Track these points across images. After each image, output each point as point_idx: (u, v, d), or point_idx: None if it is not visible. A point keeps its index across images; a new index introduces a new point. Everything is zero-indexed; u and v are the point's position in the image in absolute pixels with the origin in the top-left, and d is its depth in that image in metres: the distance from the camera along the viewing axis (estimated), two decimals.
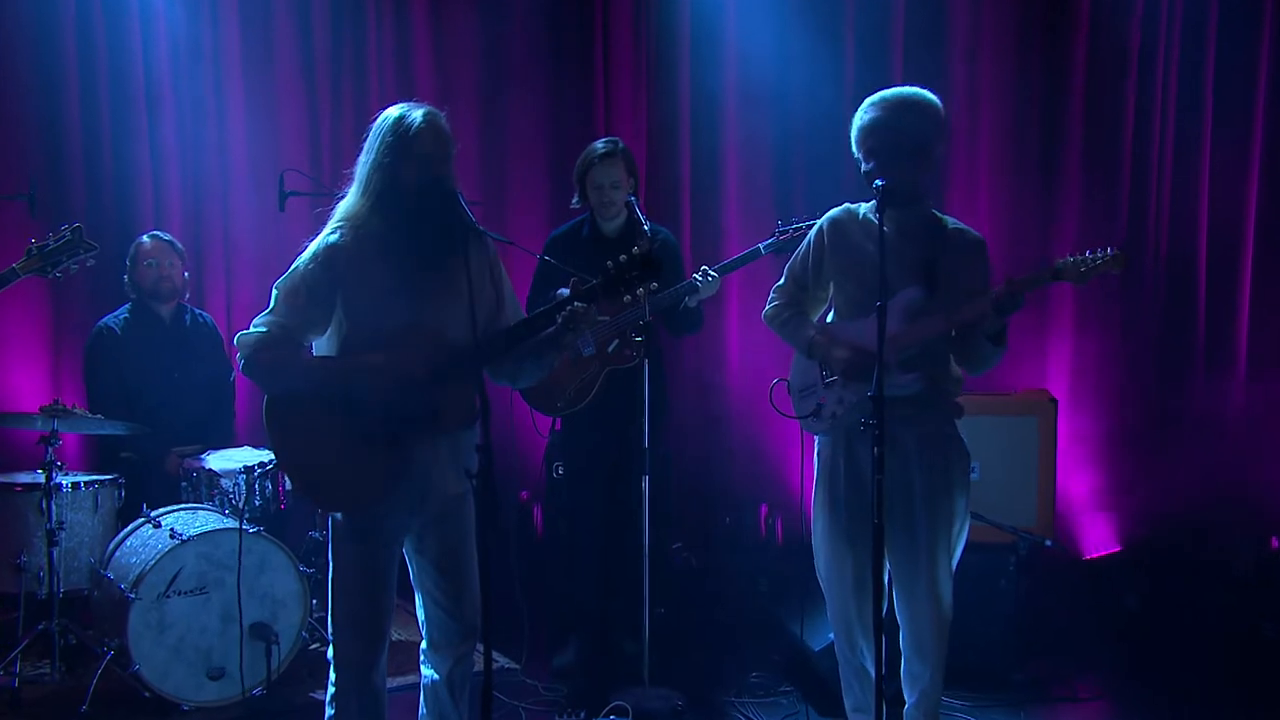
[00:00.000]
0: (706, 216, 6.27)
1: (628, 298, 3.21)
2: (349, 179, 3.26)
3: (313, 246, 3.24)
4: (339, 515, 3.28)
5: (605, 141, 4.70)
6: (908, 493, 3.64)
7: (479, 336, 3.07)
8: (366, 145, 3.21)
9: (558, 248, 4.73)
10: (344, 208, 3.26)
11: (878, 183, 3.47)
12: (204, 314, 5.44)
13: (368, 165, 3.20)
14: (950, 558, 3.68)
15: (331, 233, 3.23)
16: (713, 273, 4.50)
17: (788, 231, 4.55)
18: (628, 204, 4.57)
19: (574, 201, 4.75)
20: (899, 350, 3.56)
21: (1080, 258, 3.42)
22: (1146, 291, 6.01)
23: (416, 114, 3.17)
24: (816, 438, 3.86)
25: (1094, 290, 5.79)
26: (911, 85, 3.67)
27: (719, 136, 6.23)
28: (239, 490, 4.67)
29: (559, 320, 3.17)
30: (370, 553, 3.27)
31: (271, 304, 3.23)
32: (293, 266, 3.24)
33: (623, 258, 3.16)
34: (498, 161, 6.21)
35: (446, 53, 6.17)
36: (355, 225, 3.22)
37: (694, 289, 4.50)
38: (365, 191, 3.20)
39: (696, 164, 6.26)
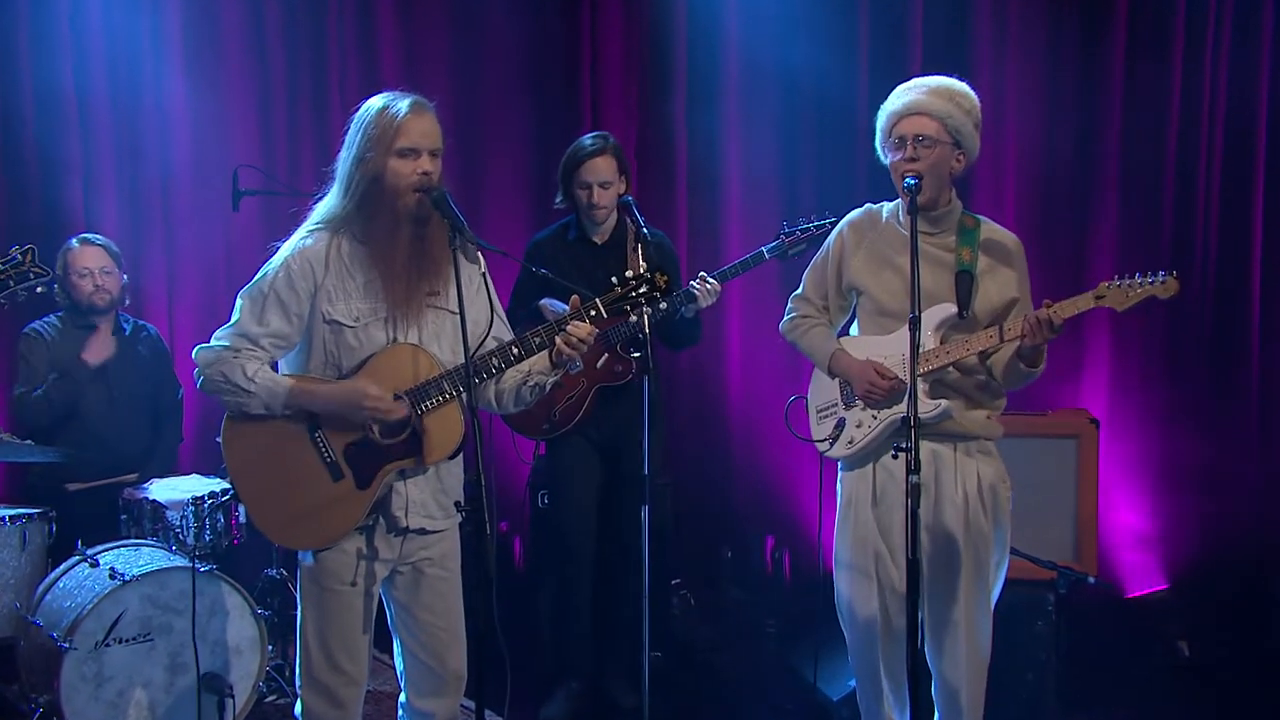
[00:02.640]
0: (705, 219, 6.28)
1: (634, 318, 3.22)
2: (328, 177, 3.25)
3: (285, 251, 3.22)
4: (308, 556, 3.25)
5: (594, 136, 4.69)
6: (941, 524, 3.64)
7: (469, 357, 3.07)
8: (347, 139, 3.21)
9: (542, 254, 4.72)
10: (323, 209, 3.25)
11: (910, 181, 3.48)
12: (146, 324, 5.39)
13: (349, 161, 3.19)
14: (989, 597, 3.68)
15: (307, 236, 3.22)
16: (711, 280, 4.49)
17: (794, 234, 4.57)
18: (624, 204, 4.56)
19: (557, 201, 4.74)
20: (924, 371, 3.56)
21: (1127, 281, 3.44)
22: (1193, 302, 6.02)
23: (402, 104, 3.17)
24: (839, 464, 3.85)
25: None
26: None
27: (718, 132, 6.23)
28: (187, 524, 4.62)
29: (557, 341, 3.17)
30: (343, 596, 3.25)
31: (236, 314, 3.21)
32: (261, 273, 3.22)
33: (630, 274, 3.17)
34: (474, 160, 6.19)
35: (416, 40, 6.16)
36: (335, 229, 3.21)
37: (691, 298, 4.49)
38: (346, 191, 3.20)
39: (694, 162, 6.27)
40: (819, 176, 6.16)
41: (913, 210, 3.45)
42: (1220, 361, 6.03)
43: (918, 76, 3.72)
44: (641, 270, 3.20)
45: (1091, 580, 4.78)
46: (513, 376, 3.33)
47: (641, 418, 4.16)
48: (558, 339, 3.17)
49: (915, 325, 3.31)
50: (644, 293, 3.19)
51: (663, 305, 3.29)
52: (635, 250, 4.50)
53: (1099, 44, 6.03)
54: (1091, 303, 3.47)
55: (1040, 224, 6.04)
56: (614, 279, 3.23)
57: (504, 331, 3.40)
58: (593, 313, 3.18)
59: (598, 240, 4.75)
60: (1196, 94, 6.00)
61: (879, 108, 3.73)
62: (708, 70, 6.21)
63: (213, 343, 3.21)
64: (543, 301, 4.63)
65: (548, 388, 3.34)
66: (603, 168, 4.61)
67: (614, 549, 4.80)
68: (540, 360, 3.26)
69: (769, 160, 6.25)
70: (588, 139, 4.67)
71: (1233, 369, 6.03)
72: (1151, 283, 3.41)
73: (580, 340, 3.17)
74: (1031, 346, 3.49)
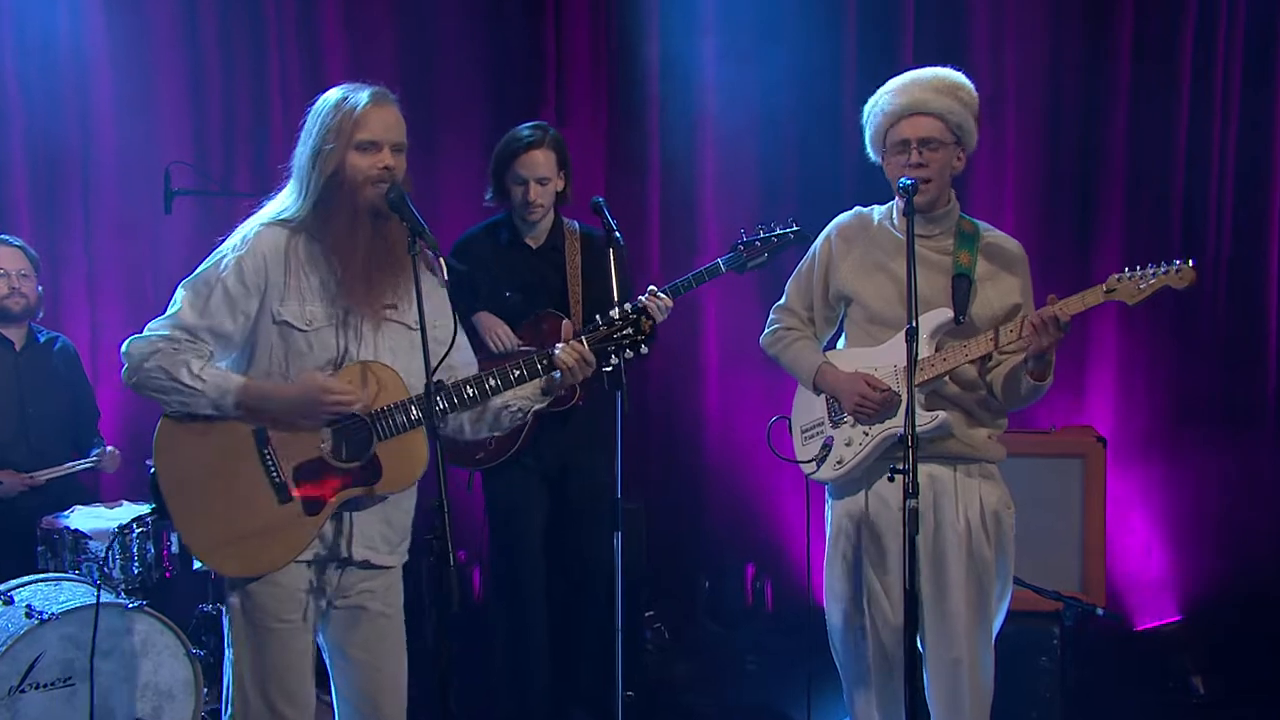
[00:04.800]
0: (678, 219, 6.30)
1: (614, 361, 3.25)
2: (283, 174, 3.26)
3: (235, 241, 3.22)
4: (234, 597, 3.22)
5: (532, 126, 4.61)
6: (942, 554, 3.66)
7: (430, 376, 3.06)
8: (304, 132, 3.23)
9: (470, 257, 4.66)
10: (277, 204, 3.27)
11: (905, 181, 3.52)
12: (63, 337, 5.37)
13: (305, 155, 3.21)
14: (992, 631, 3.72)
15: (262, 230, 3.21)
16: (662, 295, 4.39)
17: (752, 244, 4.51)
18: (595, 204, 4.48)
19: (487, 198, 4.68)
20: (920, 381, 3.58)
21: (1139, 273, 3.46)
22: (1206, 307, 6.07)
23: (363, 95, 3.19)
24: (826, 489, 3.88)
25: (1142, 306, 5.87)
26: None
27: (695, 128, 6.25)
28: (112, 555, 4.59)
29: (561, 362, 3.20)
30: (279, 633, 3.22)
31: (175, 305, 3.19)
32: (207, 263, 3.21)
33: (615, 314, 3.21)
34: (425, 157, 6.16)
35: (362, 28, 6.15)
36: (290, 226, 3.21)
37: None
38: (302, 186, 3.21)
39: (667, 161, 6.28)
40: (801, 172, 6.18)
41: (909, 212, 3.48)
42: (1236, 372, 6.07)
43: (911, 69, 3.75)
44: (629, 313, 3.23)
45: (1099, 612, 4.82)
46: (494, 402, 3.32)
47: (591, 439, 4.12)
48: (562, 358, 3.19)
49: (912, 337, 3.34)
50: (628, 335, 3.23)
51: (644, 351, 3.30)
52: (598, 257, 4.50)
53: (1104, 25, 6.06)
54: (1101, 297, 3.49)
55: (1042, 222, 6.08)
56: (598, 316, 3.25)
57: (464, 354, 3.39)
58: (543, 363, 3.22)
59: (532, 244, 4.69)
60: (1209, 78, 6.03)
61: (868, 99, 3.76)
62: (682, 61, 6.22)
63: (147, 333, 3.17)
64: (480, 317, 4.58)
65: (530, 415, 3.36)
66: (541, 162, 4.53)
67: (568, 583, 4.81)
68: (526, 385, 3.28)
69: (748, 156, 6.27)
70: (525, 129, 4.58)
71: (1249, 379, 6.07)
72: (1165, 272, 3.43)
73: (586, 363, 3.21)
74: (1038, 355, 3.50)
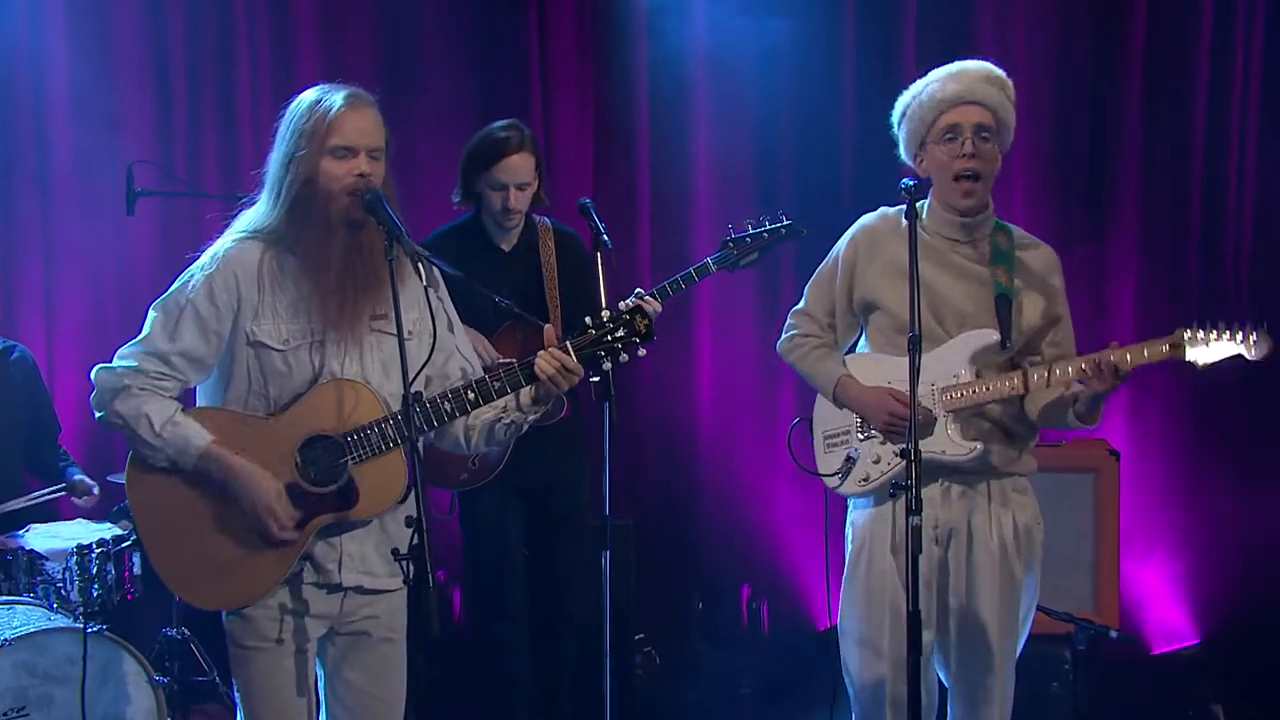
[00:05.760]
0: (670, 224, 6.28)
1: (607, 365, 3.22)
2: (252, 174, 3.25)
3: (206, 259, 3.21)
4: (225, 623, 3.24)
5: (506, 125, 4.53)
6: (974, 575, 3.65)
7: (408, 389, 3.04)
8: (277, 137, 3.22)
9: (449, 252, 4.53)
10: (250, 215, 3.26)
11: (906, 182, 3.50)
12: (20, 346, 5.34)
13: (278, 162, 3.20)
14: (1016, 651, 3.71)
15: (232, 244, 3.22)
16: (650, 298, 4.36)
17: (741, 240, 4.49)
18: (582, 207, 4.44)
19: (454, 198, 4.64)
20: (957, 407, 3.58)
21: (1210, 333, 3.46)
22: (1224, 313, 6.06)
23: (337, 97, 3.18)
24: (850, 501, 3.85)
25: (1160, 311, 5.87)
26: (928, 70, 3.74)
27: (686, 126, 6.25)
28: (70, 577, 4.57)
29: (541, 371, 3.17)
30: (268, 654, 3.23)
31: (146, 328, 3.21)
32: (178, 283, 3.22)
33: (605, 315, 3.17)
34: (405, 160, 6.12)
35: (337, 21, 6.13)
36: (264, 238, 3.21)
37: None
38: (275, 195, 3.21)
39: (657, 158, 6.28)
40: (798, 171, 6.17)
41: (910, 216, 3.46)
42: (1257, 382, 6.04)
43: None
44: (622, 312, 3.20)
45: (1113, 634, 4.81)
46: (486, 413, 3.31)
47: (577, 454, 4.07)
48: (542, 367, 3.16)
49: (915, 345, 3.32)
50: (621, 337, 3.19)
51: (641, 353, 3.27)
52: (579, 260, 4.53)
53: (1116, 13, 6.06)
54: (1165, 352, 3.47)
55: (1053, 223, 6.02)
56: (587, 319, 3.21)
57: (462, 358, 3.40)
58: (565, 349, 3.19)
59: (505, 247, 4.65)
60: (1228, 70, 6.02)
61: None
62: (673, 57, 6.21)
63: (115, 363, 3.18)
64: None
65: (524, 427, 3.34)
66: (521, 167, 4.48)
67: (551, 604, 4.80)
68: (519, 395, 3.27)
69: (743, 155, 6.27)
70: (500, 129, 4.51)
71: (1271, 389, 6.02)
72: (1241, 339, 3.43)
73: (568, 370, 3.17)
74: (1090, 398, 3.50)
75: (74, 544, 4.61)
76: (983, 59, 5.46)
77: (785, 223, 4.46)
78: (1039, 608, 4.63)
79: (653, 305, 4.31)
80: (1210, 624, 6.04)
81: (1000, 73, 3.70)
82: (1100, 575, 5.01)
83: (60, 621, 4.34)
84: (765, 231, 4.48)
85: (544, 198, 4.64)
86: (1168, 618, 6.05)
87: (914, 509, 3.22)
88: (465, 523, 4.82)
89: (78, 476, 5.13)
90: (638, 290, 4.36)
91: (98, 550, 4.61)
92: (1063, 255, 5.83)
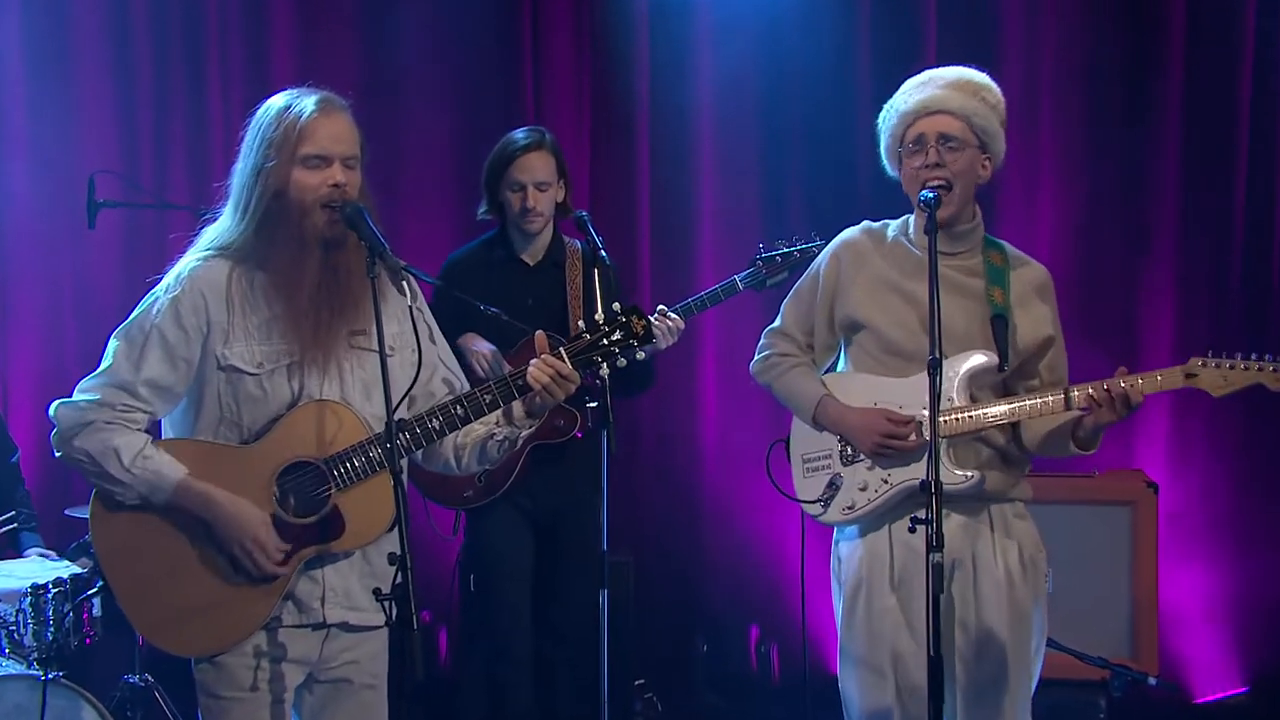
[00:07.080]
0: (672, 239, 6.30)
1: (605, 370, 3.24)
2: (221, 194, 3.24)
3: (168, 281, 3.21)
4: (204, 678, 3.21)
5: (528, 130, 4.70)
6: (981, 610, 3.63)
7: (391, 413, 3.01)
8: (244, 147, 3.22)
9: (460, 276, 4.70)
10: (214, 231, 3.26)
11: (926, 194, 3.50)
12: None
13: (245, 173, 3.20)
14: (1030, 692, 3.69)
15: (197, 263, 3.21)
16: (673, 315, 4.46)
17: (772, 259, 4.59)
18: (579, 219, 4.55)
19: (481, 211, 4.75)
20: (955, 432, 3.56)
21: (1226, 362, 3.45)
22: (1271, 342, 6.04)
23: (308, 102, 3.18)
24: (836, 530, 3.83)
25: (1199, 338, 5.84)
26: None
27: (689, 134, 6.27)
28: (24, 619, 4.50)
29: (535, 381, 3.16)
30: (243, 705, 3.21)
31: (108, 360, 3.20)
32: (140, 308, 3.20)
33: (600, 318, 3.17)
34: (389, 165, 6.15)
35: (315, 20, 6.16)
36: (232, 255, 3.19)
37: (649, 338, 4.45)
38: (243, 209, 3.20)
39: (658, 171, 6.29)
40: (809, 180, 6.20)
41: (931, 229, 3.44)
42: None
43: (931, 69, 3.76)
44: (617, 313, 3.19)
45: (1152, 681, 4.80)
46: (477, 429, 3.31)
47: (591, 480, 4.11)
48: (534, 375, 3.14)
49: (936, 368, 3.29)
50: (618, 340, 3.18)
51: (639, 356, 3.26)
52: (592, 277, 4.51)
53: (1152, 18, 6.07)
54: (1180, 380, 3.48)
55: (1083, 244, 6.10)
56: (581, 323, 3.22)
57: (446, 370, 3.40)
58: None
59: (529, 260, 4.73)
60: (1273, 60, 6.02)
61: (884, 104, 3.74)
62: (675, 58, 6.24)
63: (77, 397, 3.16)
64: (464, 339, 4.59)
65: (519, 442, 3.33)
66: (539, 166, 4.58)
67: (554, 641, 4.80)
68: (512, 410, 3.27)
69: (750, 167, 6.29)
70: (520, 133, 4.66)
71: None
72: (1260, 369, 3.43)
73: (563, 376, 3.16)
74: (1094, 426, 3.51)
75: (28, 583, 4.54)
76: (1009, 62, 5.51)
77: (818, 242, 4.50)
78: (1071, 651, 4.65)
79: (674, 322, 4.48)
80: (1258, 669, 6.02)
81: (979, 78, 3.69)
82: (1137, 616, 5.00)
83: (13, 668, 4.31)
84: (797, 250, 4.59)
85: (569, 207, 4.70)
86: (1211, 662, 6.02)
87: (935, 544, 3.18)
88: (468, 549, 4.87)
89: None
90: (661, 306, 4.54)
91: (54, 590, 4.55)
92: (1093, 278, 5.91)
